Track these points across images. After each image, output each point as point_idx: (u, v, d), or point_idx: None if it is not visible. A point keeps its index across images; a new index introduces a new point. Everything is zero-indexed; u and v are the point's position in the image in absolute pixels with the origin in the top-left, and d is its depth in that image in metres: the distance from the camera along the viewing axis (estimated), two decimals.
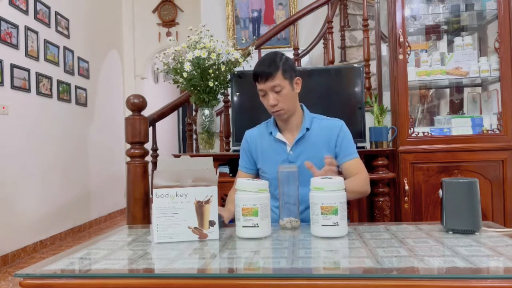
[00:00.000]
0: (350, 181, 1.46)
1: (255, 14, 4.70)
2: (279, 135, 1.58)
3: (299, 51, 3.26)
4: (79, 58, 4.77)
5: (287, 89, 1.50)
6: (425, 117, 2.84)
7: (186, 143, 3.23)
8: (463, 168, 2.14)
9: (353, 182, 1.47)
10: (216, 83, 2.30)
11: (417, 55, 2.32)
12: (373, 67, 3.07)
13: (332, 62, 2.74)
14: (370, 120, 2.41)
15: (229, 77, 2.38)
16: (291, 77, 1.51)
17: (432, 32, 2.52)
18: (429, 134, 2.22)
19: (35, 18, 3.94)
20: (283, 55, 1.54)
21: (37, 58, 3.92)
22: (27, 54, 3.76)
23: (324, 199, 1.14)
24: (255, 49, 2.77)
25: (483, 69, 2.21)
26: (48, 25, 4.15)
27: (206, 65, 2.26)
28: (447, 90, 2.81)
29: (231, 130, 2.45)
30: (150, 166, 2.39)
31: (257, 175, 1.67)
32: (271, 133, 1.60)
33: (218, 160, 2.25)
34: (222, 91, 2.47)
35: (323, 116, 1.63)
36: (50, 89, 4.14)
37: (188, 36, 2.36)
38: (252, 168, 1.66)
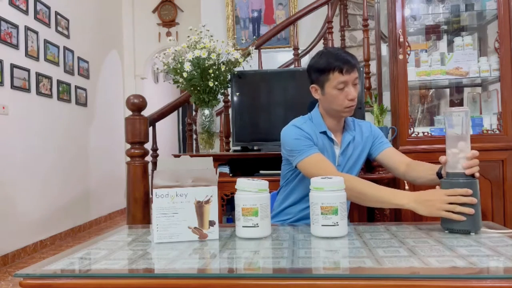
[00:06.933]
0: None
1: (255, 14, 4.70)
2: (333, 136, 1.54)
3: (299, 51, 3.27)
4: (79, 58, 4.77)
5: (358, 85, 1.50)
6: (425, 117, 2.84)
7: (186, 143, 3.23)
8: None
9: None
10: (216, 83, 2.30)
11: (417, 55, 2.32)
12: (373, 67, 3.07)
13: None
14: (370, 120, 2.41)
15: (229, 77, 2.38)
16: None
17: (432, 32, 2.52)
18: (429, 134, 2.22)
19: (35, 18, 3.94)
20: None
21: (37, 58, 3.92)
22: (27, 54, 3.76)
23: (324, 199, 1.14)
24: (255, 49, 2.77)
25: (483, 69, 2.21)
26: (48, 25, 4.15)
27: (206, 65, 2.26)
28: (447, 90, 2.81)
29: (231, 130, 2.45)
30: (150, 166, 2.39)
31: None
32: (325, 132, 1.53)
33: (218, 160, 2.25)
34: (222, 91, 2.47)
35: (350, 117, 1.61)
36: (50, 89, 4.14)
37: (188, 36, 2.36)
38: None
